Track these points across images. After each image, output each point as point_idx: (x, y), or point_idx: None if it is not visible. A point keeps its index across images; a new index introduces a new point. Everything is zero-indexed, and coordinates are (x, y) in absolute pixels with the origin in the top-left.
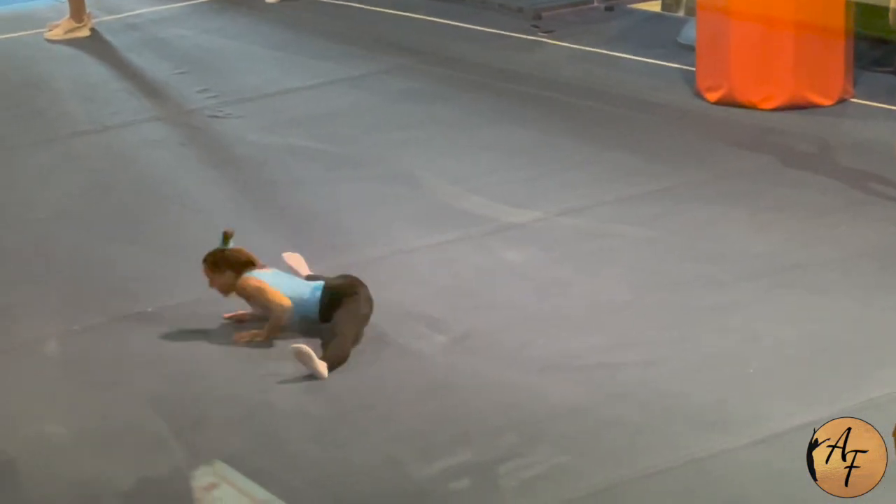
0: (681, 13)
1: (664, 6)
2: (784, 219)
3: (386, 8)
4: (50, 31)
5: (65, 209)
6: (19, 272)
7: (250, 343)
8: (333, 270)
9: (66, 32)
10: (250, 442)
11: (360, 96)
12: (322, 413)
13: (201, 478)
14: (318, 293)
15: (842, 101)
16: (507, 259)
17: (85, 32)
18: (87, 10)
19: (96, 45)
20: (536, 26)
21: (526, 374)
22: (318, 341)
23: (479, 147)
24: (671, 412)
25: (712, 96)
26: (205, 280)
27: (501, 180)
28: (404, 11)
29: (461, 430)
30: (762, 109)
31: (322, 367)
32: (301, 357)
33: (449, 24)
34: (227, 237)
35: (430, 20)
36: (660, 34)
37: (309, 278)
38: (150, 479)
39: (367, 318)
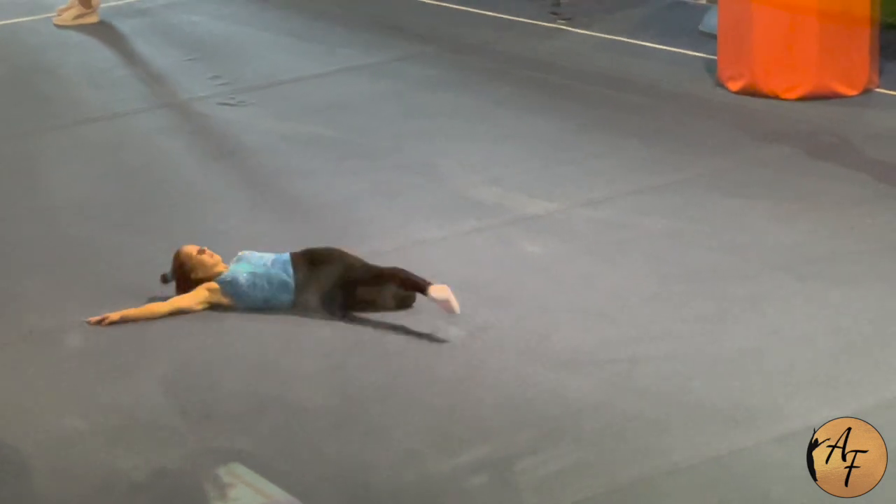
0: (703, 0)
1: None
2: (808, 210)
3: None
4: (59, 16)
5: (74, 197)
6: (29, 261)
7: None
8: None
9: (75, 18)
10: (264, 436)
11: (375, 84)
12: (337, 408)
13: (217, 479)
14: (290, 268)
15: (867, 91)
16: (526, 251)
17: (94, 18)
18: None
19: (105, 30)
20: (556, 13)
21: (545, 368)
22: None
23: (497, 136)
24: (693, 408)
25: (734, 86)
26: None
27: (521, 170)
28: None
29: (479, 425)
30: (785, 99)
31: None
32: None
33: (467, 10)
34: (165, 278)
35: (447, 6)
36: (681, 22)
37: None
38: (163, 472)
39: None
